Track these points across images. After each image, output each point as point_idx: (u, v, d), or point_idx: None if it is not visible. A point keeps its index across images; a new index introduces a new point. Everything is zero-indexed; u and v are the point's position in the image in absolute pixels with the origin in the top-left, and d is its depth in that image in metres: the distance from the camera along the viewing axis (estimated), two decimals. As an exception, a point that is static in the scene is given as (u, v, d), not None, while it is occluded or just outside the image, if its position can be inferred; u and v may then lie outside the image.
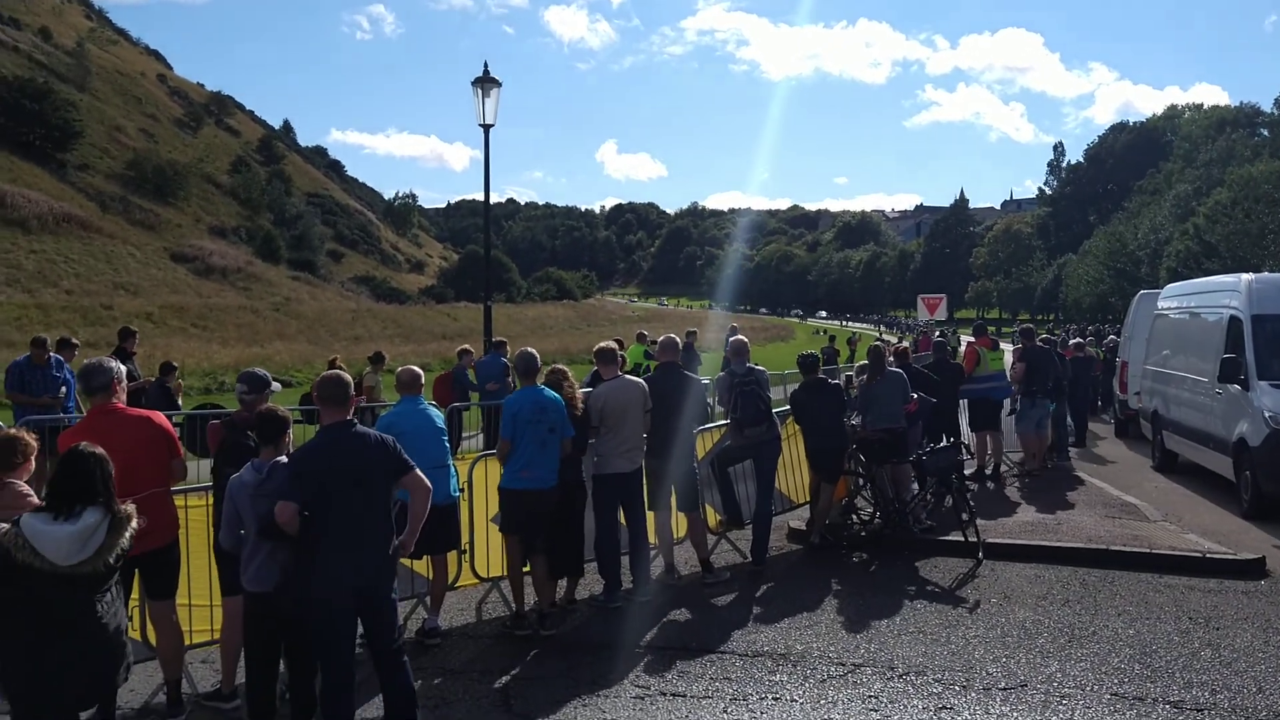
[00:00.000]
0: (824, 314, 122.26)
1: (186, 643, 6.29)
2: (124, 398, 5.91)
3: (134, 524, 4.51)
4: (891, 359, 11.40)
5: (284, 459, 5.49)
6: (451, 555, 7.75)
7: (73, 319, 42.22)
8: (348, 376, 6.14)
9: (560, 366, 8.26)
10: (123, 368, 5.99)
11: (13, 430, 5.08)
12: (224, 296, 59.79)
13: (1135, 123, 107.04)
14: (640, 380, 8.75)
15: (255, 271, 69.20)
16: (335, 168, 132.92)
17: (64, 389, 11.75)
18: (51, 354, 12.00)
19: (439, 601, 7.68)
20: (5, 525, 4.32)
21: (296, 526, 5.24)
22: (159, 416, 6.03)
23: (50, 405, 11.58)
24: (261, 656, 5.52)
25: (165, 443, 5.83)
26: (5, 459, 4.87)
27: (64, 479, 4.43)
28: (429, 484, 5.64)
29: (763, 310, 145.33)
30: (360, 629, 5.58)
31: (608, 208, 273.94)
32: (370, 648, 5.61)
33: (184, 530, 6.09)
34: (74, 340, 13.01)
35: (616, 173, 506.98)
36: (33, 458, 4.95)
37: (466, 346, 16.45)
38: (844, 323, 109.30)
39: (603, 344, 8.88)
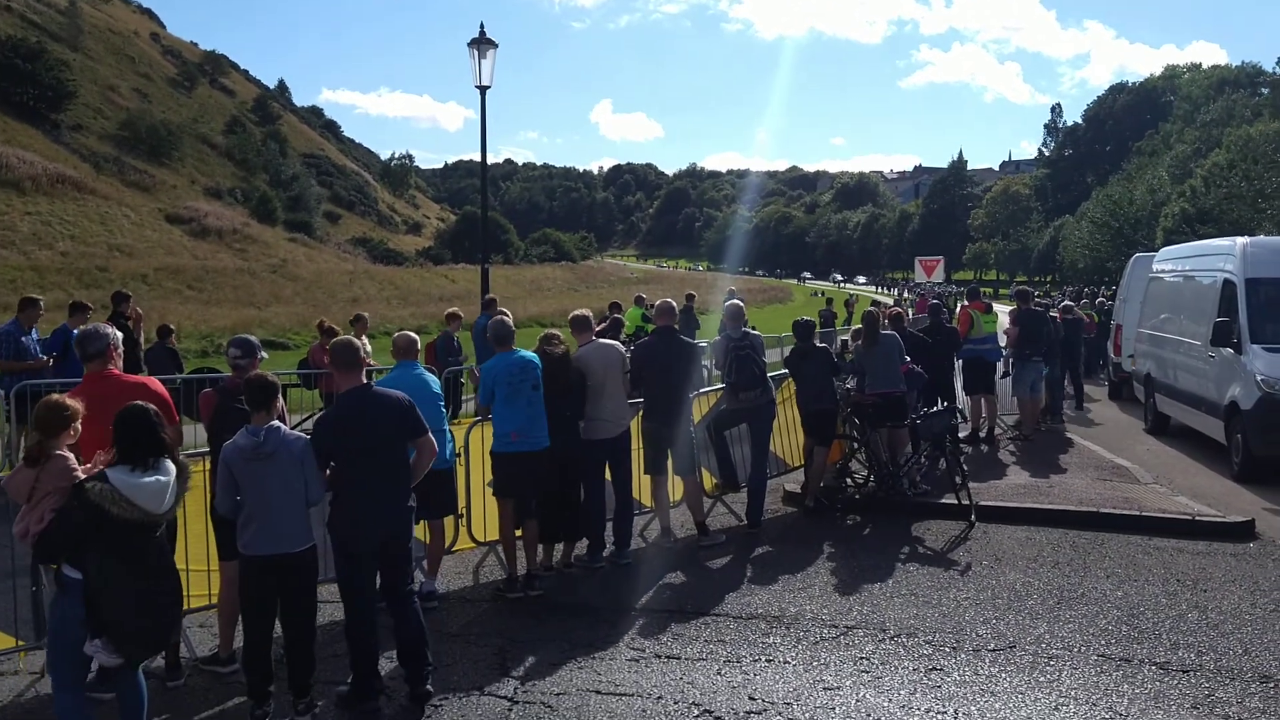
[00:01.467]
0: (839, 277, 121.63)
1: (184, 607, 6.35)
2: (120, 363, 5.93)
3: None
4: (886, 323, 11.42)
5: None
6: (448, 520, 7.82)
7: (68, 281, 42.11)
8: (357, 341, 6.27)
9: (552, 331, 8.31)
10: (119, 334, 6.00)
11: (55, 396, 5.06)
12: (220, 258, 59.51)
13: (1134, 83, 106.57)
14: (616, 344, 8.79)
15: (251, 233, 68.81)
16: (331, 128, 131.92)
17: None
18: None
19: (436, 565, 7.76)
20: (94, 483, 4.62)
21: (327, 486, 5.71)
22: (154, 383, 6.04)
23: (38, 369, 11.59)
24: (258, 620, 5.58)
25: (162, 408, 5.84)
26: (52, 426, 4.88)
27: (135, 435, 4.76)
28: (436, 447, 6.06)
29: (759, 272, 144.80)
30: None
31: (605, 169, 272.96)
32: (384, 591, 5.94)
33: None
34: (88, 304, 12.95)
35: (612, 133, 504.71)
36: (76, 422, 4.97)
37: (454, 310, 16.34)
38: (840, 285, 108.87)
39: (575, 312, 8.94)
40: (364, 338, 14.44)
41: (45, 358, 11.75)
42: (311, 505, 5.61)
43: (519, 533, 7.85)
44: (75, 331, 11.78)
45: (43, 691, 5.96)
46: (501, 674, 6.22)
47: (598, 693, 5.91)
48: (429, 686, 5.84)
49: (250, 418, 5.64)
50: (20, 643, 6.07)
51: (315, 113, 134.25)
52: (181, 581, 5.05)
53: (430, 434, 5.98)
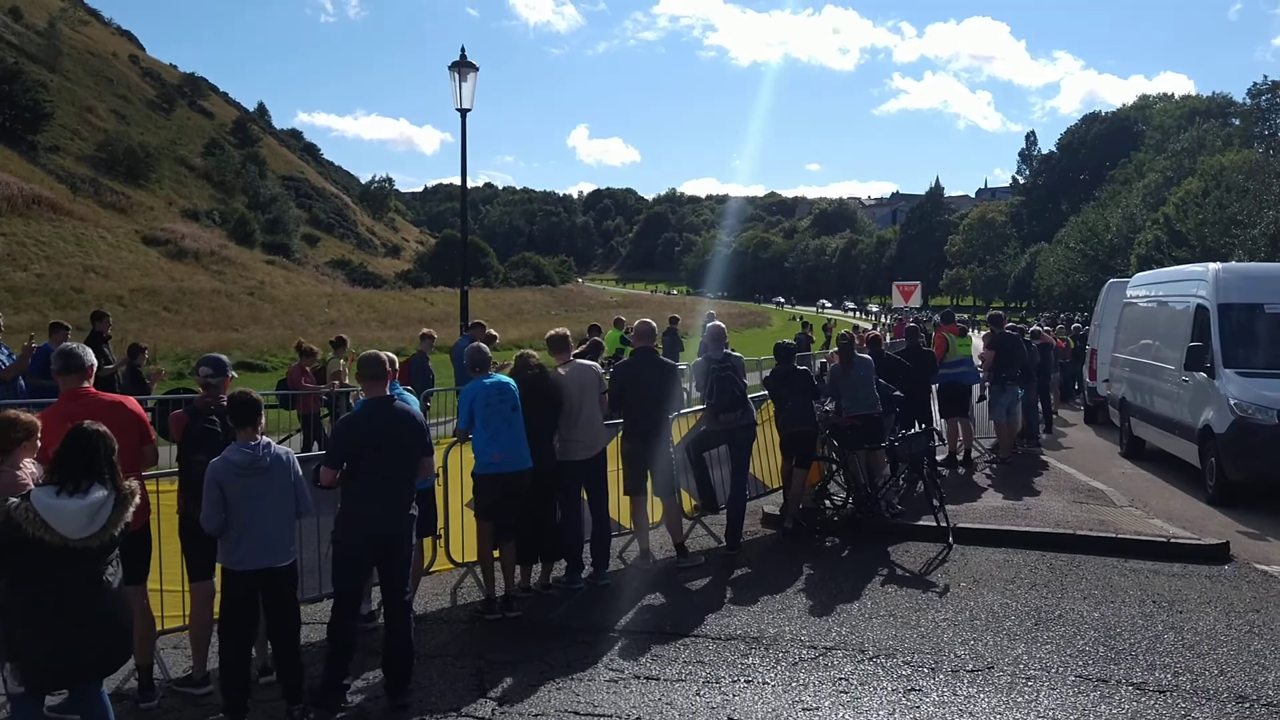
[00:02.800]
0: (826, 304, 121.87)
1: (158, 628, 6.29)
2: (93, 382, 5.89)
3: (136, 500, 4.75)
4: (863, 346, 11.49)
5: (266, 438, 5.61)
6: (427, 540, 7.78)
7: (43, 302, 41.73)
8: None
9: (528, 351, 8.32)
10: (91, 353, 5.97)
11: (11, 411, 5.04)
12: (197, 280, 59.17)
13: (1107, 112, 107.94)
14: (594, 364, 8.80)
15: (229, 255, 68.50)
16: (310, 151, 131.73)
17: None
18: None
19: (414, 586, 7.68)
20: (15, 500, 4.44)
21: (336, 487, 5.99)
22: (131, 401, 6.02)
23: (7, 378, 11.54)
24: (241, 635, 5.59)
25: (137, 428, 5.82)
26: (5, 441, 4.85)
27: (71, 456, 4.58)
28: (434, 470, 6.55)
29: (757, 297, 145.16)
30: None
31: (585, 193, 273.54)
32: (384, 594, 6.22)
33: (155, 515, 6.08)
34: (65, 324, 12.85)
35: (588, 157, 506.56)
36: (35, 437, 4.93)
37: (428, 331, 16.29)
38: (820, 310, 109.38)
39: (552, 331, 8.94)
40: (341, 360, 14.44)
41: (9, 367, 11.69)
42: (300, 518, 5.71)
43: (497, 554, 7.82)
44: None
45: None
46: (479, 694, 6.18)
47: (576, 713, 5.88)
48: (406, 696, 6.00)
49: (221, 436, 5.74)
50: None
51: (295, 135, 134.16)
52: (117, 622, 4.71)
53: (433, 457, 6.42)
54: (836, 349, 11.20)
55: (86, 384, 5.78)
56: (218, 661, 6.50)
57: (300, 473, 5.73)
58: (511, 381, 7.77)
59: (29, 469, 4.90)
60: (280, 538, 5.60)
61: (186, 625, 6.39)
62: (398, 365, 7.50)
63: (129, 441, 5.61)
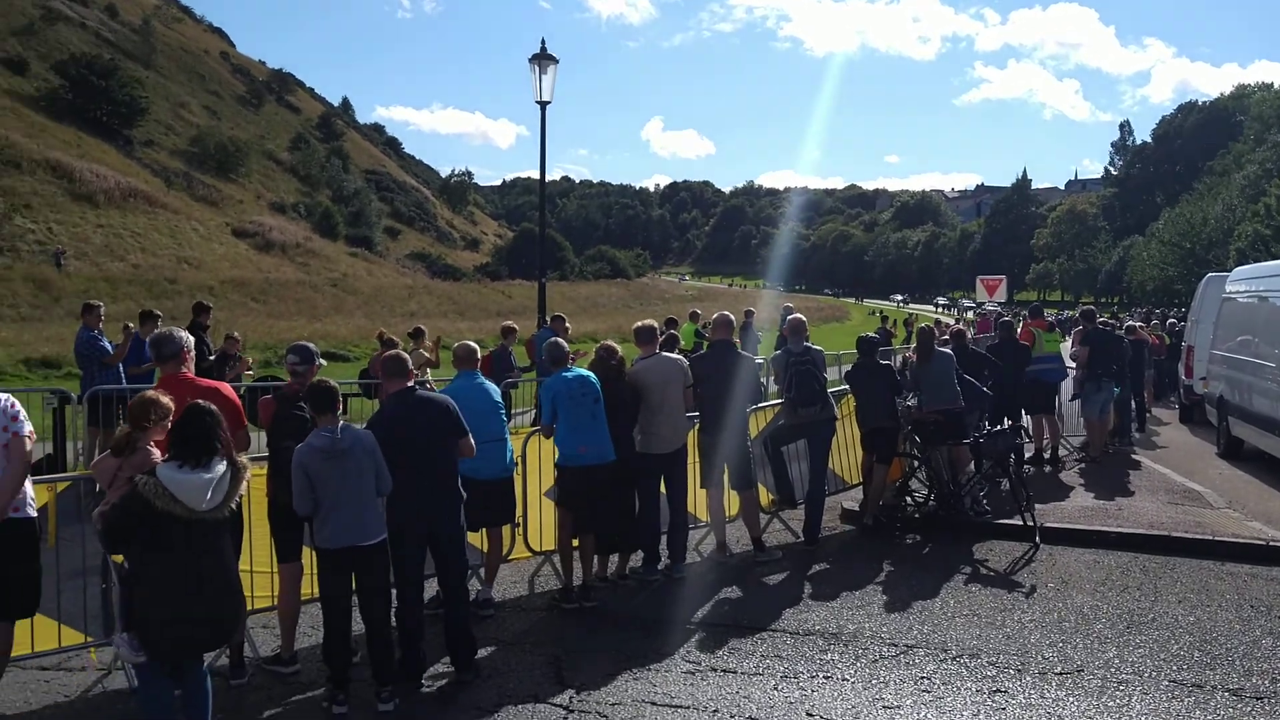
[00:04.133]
0: (897, 297, 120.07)
1: (248, 608, 6.43)
2: (192, 367, 6.06)
3: (249, 474, 5.02)
4: (946, 339, 11.28)
5: (344, 422, 5.79)
6: (505, 529, 7.84)
7: (139, 292, 43.17)
8: (405, 354, 6.56)
9: (609, 343, 8.30)
10: (191, 338, 6.13)
11: (151, 393, 5.25)
12: (283, 272, 60.68)
13: (1204, 102, 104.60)
14: (679, 357, 8.74)
15: (314, 247, 70.10)
16: (392, 145, 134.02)
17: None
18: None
19: (493, 574, 7.78)
20: (142, 476, 4.67)
21: None
22: (226, 388, 6.18)
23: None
24: (337, 611, 5.77)
25: (231, 413, 5.95)
26: (139, 419, 5.07)
27: (188, 433, 4.82)
28: (474, 448, 6.43)
29: (828, 290, 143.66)
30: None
31: (661, 186, 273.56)
32: (440, 582, 6.38)
33: (246, 499, 6.21)
34: (156, 312, 13.26)
35: (663, 150, 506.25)
36: (168, 420, 5.12)
37: (510, 324, 16.42)
38: (900, 304, 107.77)
39: (640, 323, 8.89)
40: (422, 350, 14.64)
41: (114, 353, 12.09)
42: (381, 495, 5.84)
43: (575, 543, 7.85)
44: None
45: (110, 687, 6.08)
46: (557, 683, 6.21)
47: (653, 704, 5.87)
48: (472, 674, 6.25)
49: (308, 422, 5.89)
50: (89, 639, 6.19)
51: (377, 129, 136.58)
52: (233, 592, 4.98)
53: (470, 438, 6.39)
54: (916, 340, 11.02)
55: (184, 369, 5.94)
56: (305, 642, 6.69)
57: (380, 453, 5.85)
58: (592, 375, 7.77)
59: (155, 452, 5.07)
60: (364, 517, 5.74)
61: (275, 605, 6.54)
62: (479, 356, 7.57)
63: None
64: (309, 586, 6.59)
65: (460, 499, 6.36)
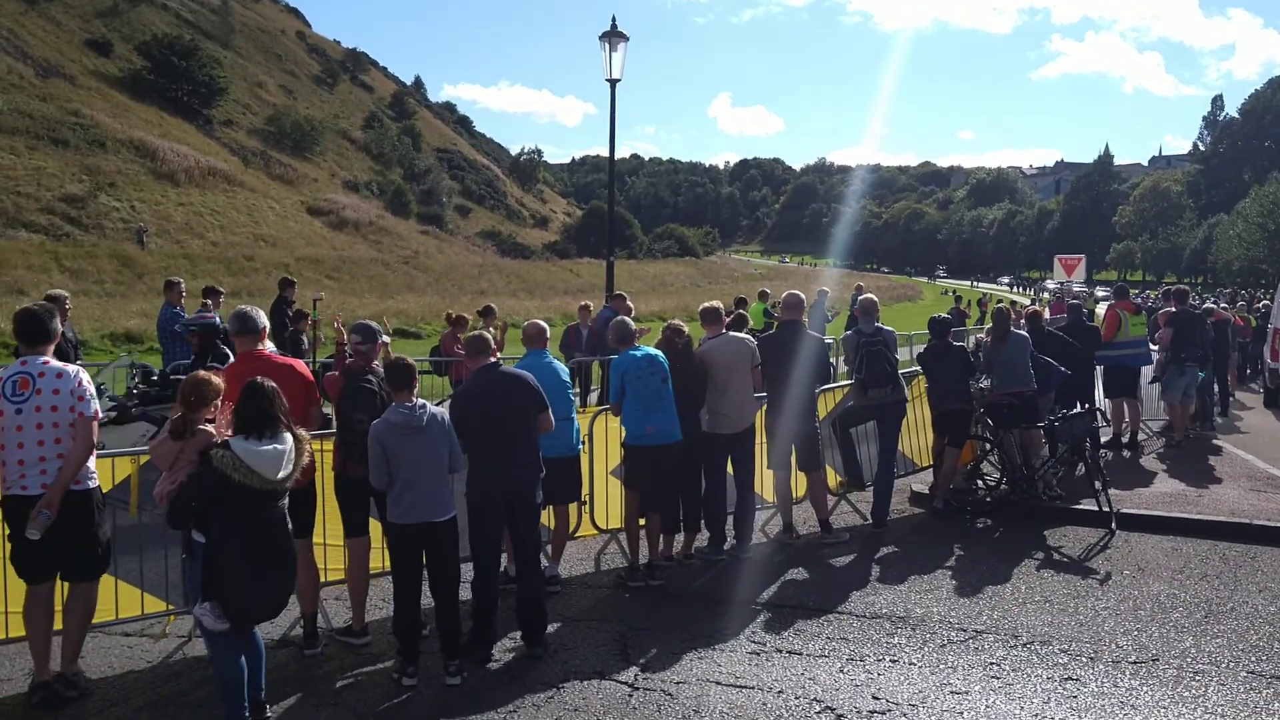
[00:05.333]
0: (940, 273, 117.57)
1: (322, 580, 6.58)
2: (268, 345, 6.19)
3: (310, 446, 5.26)
4: (1022, 321, 11.04)
5: (421, 400, 5.89)
6: (572, 506, 7.90)
7: (218, 269, 44.19)
8: (488, 335, 6.70)
9: (675, 322, 8.26)
10: (265, 318, 6.26)
11: (204, 373, 5.43)
12: (356, 249, 61.65)
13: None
14: (747, 337, 8.69)
15: (386, 225, 71.06)
16: (464, 123, 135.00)
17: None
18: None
19: (559, 551, 7.84)
20: (217, 450, 4.88)
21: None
22: (301, 364, 6.32)
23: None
24: (408, 586, 5.89)
25: (305, 390, 6.08)
26: (196, 400, 5.21)
27: (252, 409, 5.01)
28: (552, 424, 6.59)
29: (909, 269, 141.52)
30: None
31: (731, 163, 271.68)
32: (514, 552, 6.62)
33: (320, 473, 6.35)
34: (219, 288, 13.58)
35: (731, 127, 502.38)
36: (220, 398, 5.28)
37: (585, 303, 16.49)
38: (972, 284, 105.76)
39: (707, 304, 8.86)
40: (492, 328, 14.78)
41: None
42: (454, 473, 5.97)
43: (642, 522, 7.87)
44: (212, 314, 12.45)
45: (190, 654, 6.26)
46: (622, 660, 6.25)
47: (718, 684, 5.88)
48: (541, 649, 6.32)
49: (379, 396, 6.10)
50: (170, 607, 6.39)
51: (449, 108, 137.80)
52: (294, 560, 5.19)
53: (550, 413, 6.54)
54: (992, 321, 10.80)
55: (261, 346, 6.08)
56: (375, 615, 6.82)
57: (454, 432, 5.97)
58: (661, 354, 7.76)
59: (212, 428, 5.21)
60: (438, 494, 5.85)
61: (345, 579, 6.67)
62: (548, 335, 7.60)
63: (298, 403, 5.88)
64: (378, 560, 6.73)
65: (540, 472, 6.49)
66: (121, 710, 5.50)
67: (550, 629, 6.69)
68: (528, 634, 6.38)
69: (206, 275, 39.75)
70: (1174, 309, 14.00)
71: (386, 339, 7.00)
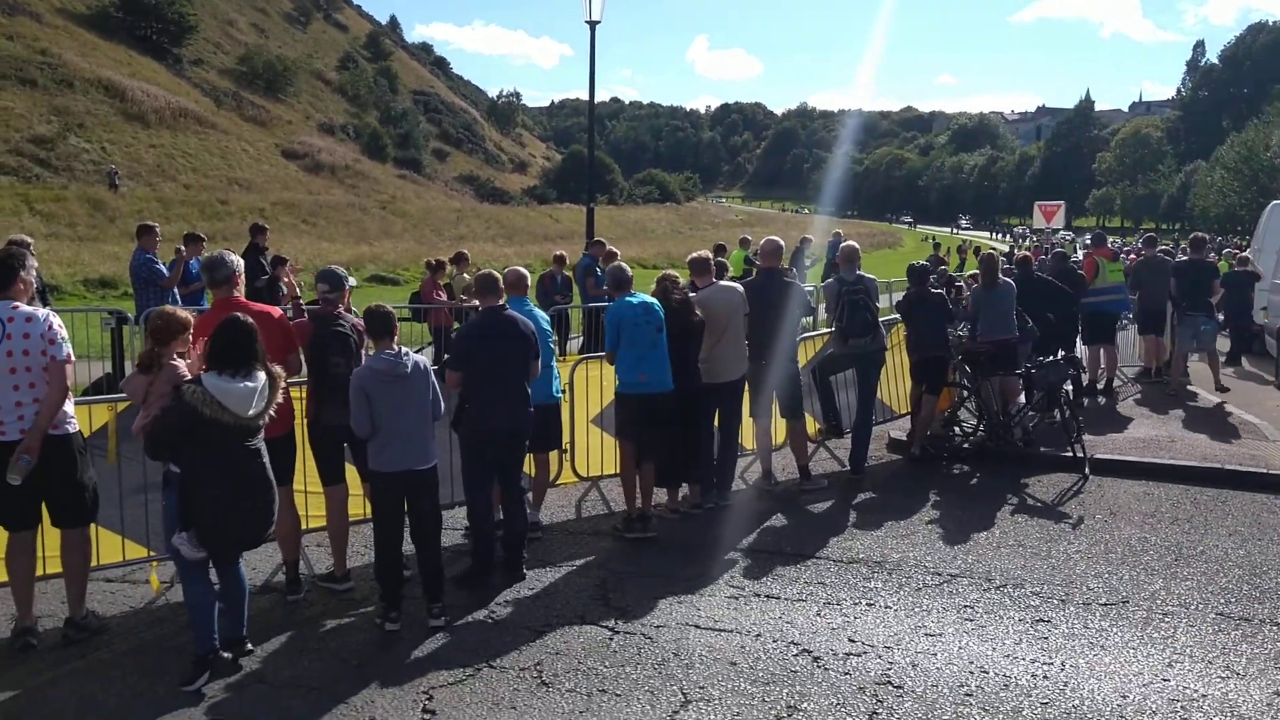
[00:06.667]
0: (1027, 228, 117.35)
1: (303, 527, 6.60)
2: (242, 291, 6.13)
3: (284, 382, 5.35)
4: (1011, 268, 11.07)
5: (401, 347, 5.93)
6: (553, 454, 7.92)
7: (191, 213, 43.66)
8: (498, 274, 6.89)
9: (671, 273, 8.21)
10: (241, 262, 6.19)
11: (169, 308, 5.51)
12: (333, 194, 60.95)
13: (1275, 22, 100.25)
14: (738, 286, 8.67)
15: (362, 169, 70.23)
16: (440, 65, 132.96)
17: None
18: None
19: (540, 498, 7.88)
20: (188, 385, 4.94)
21: (458, 389, 6.53)
22: (278, 311, 6.26)
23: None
24: (391, 532, 5.96)
25: (283, 337, 6.04)
26: (164, 335, 5.28)
27: (227, 345, 5.07)
28: (538, 373, 6.86)
29: (888, 216, 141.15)
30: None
31: (712, 108, 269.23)
32: (501, 484, 6.74)
33: (300, 421, 6.34)
34: (200, 234, 13.41)
35: (710, 71, 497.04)
36: (187, 334, 5.37)
37: (560, 254, 16.39)
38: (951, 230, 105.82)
39: (695, 253, 8.81)
40: (465, 274, 14.70)
41: (170, 275, 12.24)
42: (436, 420, 6.05)
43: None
44: (195, 260, 12.31)
45: (173, 600, 6.28)
46: (603, 605, 6.32)
47: (697, 627, 5.96)
48: (525, 570, 6.77)
49: (349, 338, 6.24)
50: (151, 553, 6.40)
51: (425, 49, 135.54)
52: (272, 494, 5.28)
53: (539, 361, 6.80)
54: (980, 268, 10.81)
55: (236, 292, 6.02)
56: (358, 560, 6.86)
57: (435, 380, 6.03)
58: (656, 303, 7.70)
59: (181, 364, 5.26)
60: (422, 441, 5.90)
61: (326, 526, 6.70)
62: (528, 281, 7.56)
63: (275, 350, 5.83)
64: (357, 507, 6.76)
65: (531, 412, 6.74)
66: (105, 655, 5.53)
67: (532, 574, 6.76)
68: (511, 558, 6.75)
69: (180, 219, 39.37)
70: (1145, 254, 13.97)
71: (353, 282, 6.98)
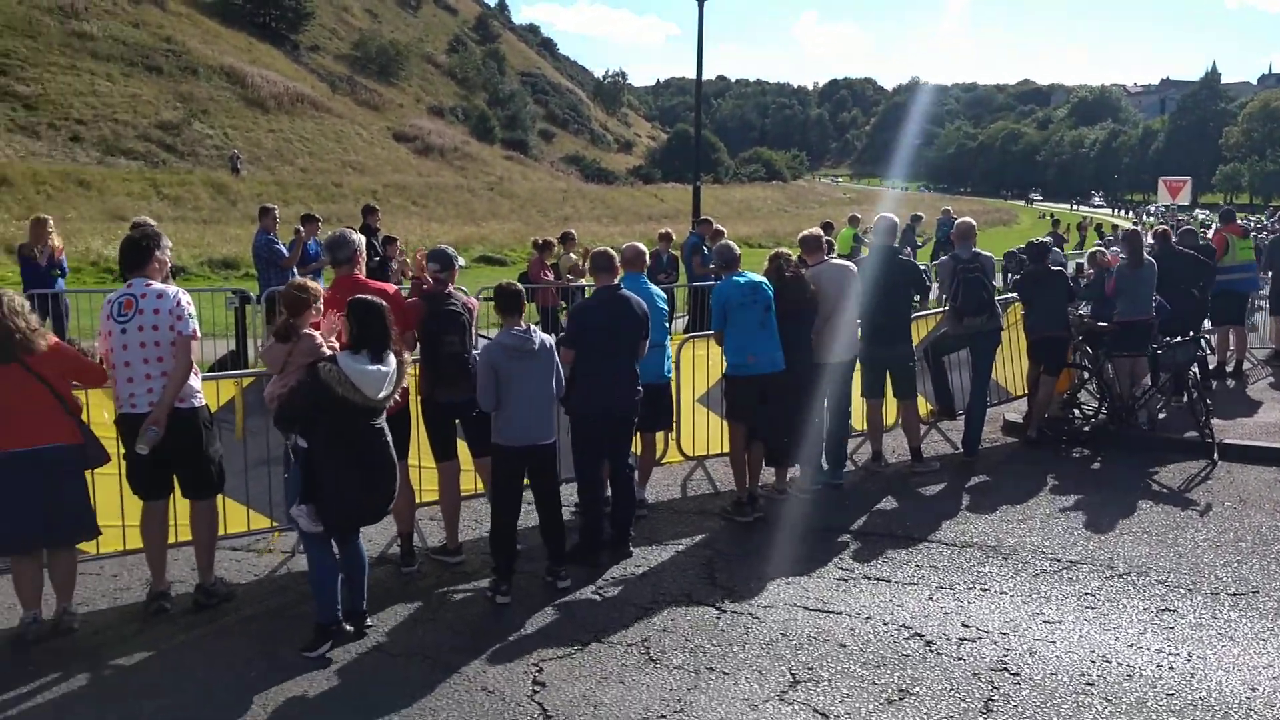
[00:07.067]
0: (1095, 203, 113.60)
1: (417, 501, 6.75)
2: (363, 269, 6.29)
3: (411, 368, 5.49)
4: (1152, 243, 10.66)
5: (529, 324, 6.09)
6: (659, 434, 7.93)
7: (308, 195, 44.98)
8: (613, 251, 6.91)
9: (784, 251, 8.10)
10: (362, 240, 6.35)
11: (300, 279, 5.71)
12: (442, 176, 62.04)
13: None
14: (851, 265, 8.52)
15: (471, 151, 71.30)
16: (548, 46, 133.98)
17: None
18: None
19: (647, 476, 7.88)
20: (325, 363, 5.09)
21: (570, 364, 6.48)
22: (393, 288, 6.39)
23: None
24: (508, 505, 6.09)
25: (401, 315, 6.16)
26: (297, 305, 5.43)
27: (368, 328, 5.20)
28: (645, 353, 6.75)
29: (1005, 193, 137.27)
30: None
31: (820, 84, 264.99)
32: (610, 462, 6.77)
33: (414, 399, 6.47)
34: (316, 215, 13.80)
35: (817, 45, 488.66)
36: (318, 304, 5.53)
37: (666, 230, 16.37)
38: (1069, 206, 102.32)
39: (807, 231, 8.67)
40: (573, 254, 14.82)
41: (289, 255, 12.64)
42: (559, 397, 6.20)
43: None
44: (312, 240, 12.69)
45: (295, 569, 6.51)
46: (710, 584, 6.31)
47: (805, 608, 5.91)
48: (632, 547, 6.82)
49: (461, 315, 6.31)
50: (274, 523, 6.63)
51: (532, 30, 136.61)
52: (393, 474, 5.40)
53: (648, 340, 6.76)
54: (1125, 244, 10.39)
55: (356, 270, 6.17)
56: (469, 535, 6.99)
57: (558, 357, 6.17)
58: (765, 281, 7.60)
59: (318, 335, 5.40)
60: (545, 417, 6.05)
61: (439, 500, 6.84)
62: (646, 258, 7.54)
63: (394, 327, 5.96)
64: (468, 483, 6.89)
65: (639, 392, 6.72)
66: (232, 620, 5.76)
67: (638, 552, 6.80)
68: (619, 532, 6.80)
69: (297, 202, 40.56)
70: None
71: (462, 262, 7.06)
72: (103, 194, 37.77)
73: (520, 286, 6.20)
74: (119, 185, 39.53)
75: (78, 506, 5.46)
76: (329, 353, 5.27)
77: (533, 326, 6.06)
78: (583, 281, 13.84)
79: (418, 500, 6.80)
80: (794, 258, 8.04)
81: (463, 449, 6.69)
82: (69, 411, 5.41)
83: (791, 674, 5.09)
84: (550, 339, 6.14)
